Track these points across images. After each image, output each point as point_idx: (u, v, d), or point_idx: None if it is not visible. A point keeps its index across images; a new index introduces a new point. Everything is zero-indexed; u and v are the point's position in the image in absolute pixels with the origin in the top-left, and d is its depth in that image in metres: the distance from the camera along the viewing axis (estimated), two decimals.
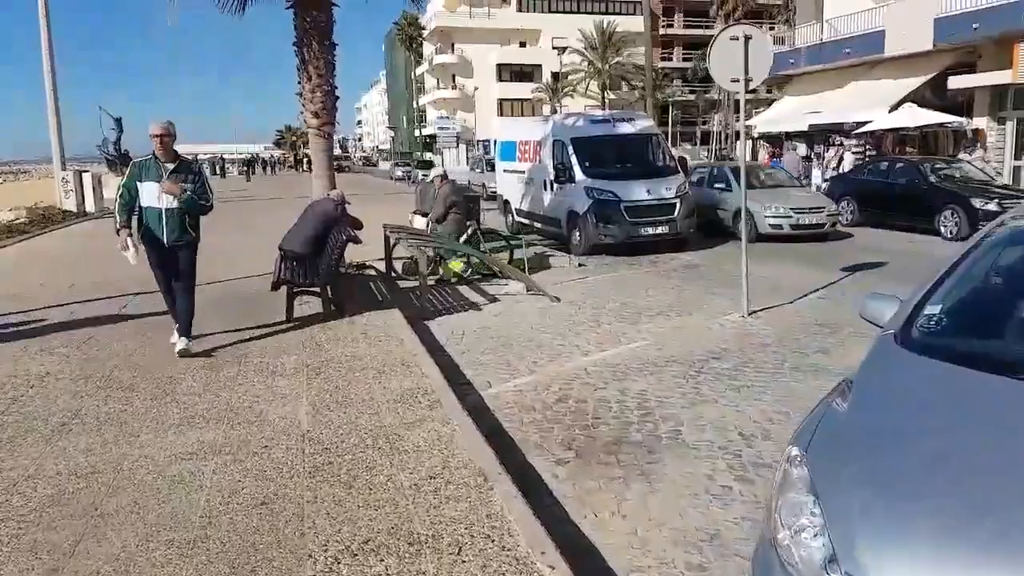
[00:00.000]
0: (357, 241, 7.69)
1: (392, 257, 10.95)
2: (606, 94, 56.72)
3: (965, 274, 3.14)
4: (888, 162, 16.62)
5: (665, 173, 13.69)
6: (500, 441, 4.60)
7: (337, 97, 10.16)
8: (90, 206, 21.83)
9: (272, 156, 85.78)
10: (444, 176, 11.88)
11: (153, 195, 5.86)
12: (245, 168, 50.54)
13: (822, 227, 13.78)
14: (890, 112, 19.93)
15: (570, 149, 13.57)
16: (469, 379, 5.95)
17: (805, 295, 9.02)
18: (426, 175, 39.21)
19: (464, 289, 10.02)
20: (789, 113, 28.03)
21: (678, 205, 13.08)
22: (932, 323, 2.94)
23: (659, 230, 12.94)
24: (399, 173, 50.60)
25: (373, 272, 10.57)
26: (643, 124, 14.53)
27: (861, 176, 16.80)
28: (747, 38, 7.51)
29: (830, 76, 26.27)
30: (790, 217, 13.58)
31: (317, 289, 7.43)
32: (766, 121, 29.57)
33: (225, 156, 71.63)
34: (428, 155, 58.40)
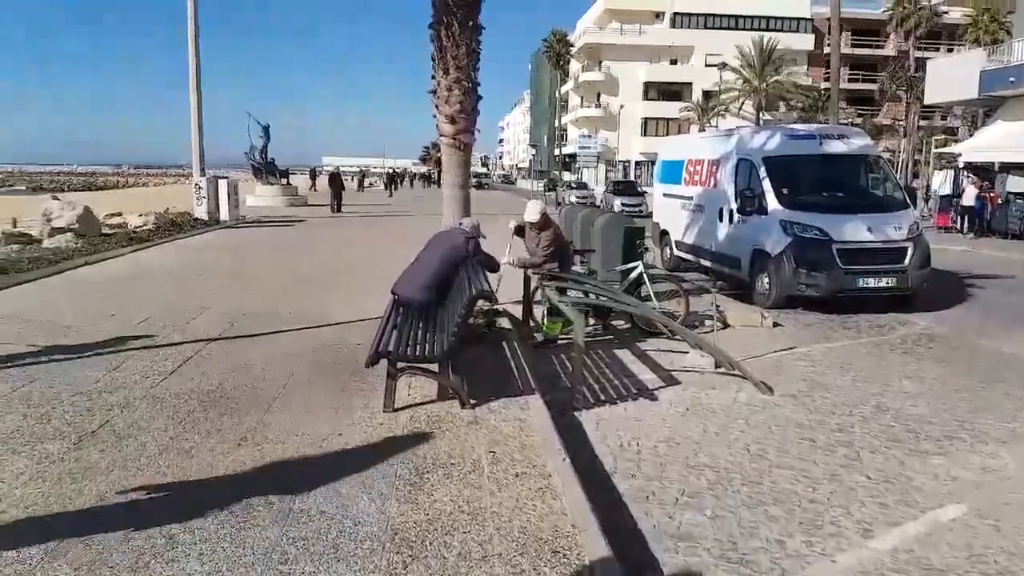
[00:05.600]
0: (490, 298, 5.24)
1: (532, 301, 8.51)
2: (761, 114, 52.30)
3: None
4: None
5: (891, 207, 10.45)
6: None
7: (479, 97, 7.86)
8: (224, 215, 21.14)
9: (415, 172, 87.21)
10: (547, 216, 7.68)
11: None
12: (389, 182, 50.01)
13: None
14: None
15: (762, 171, 10.64)
16: None
17: None
18: (583, 198, 35.94)
19: (623, 353, 7.40)
20: (1005, 140, 23.18)
21: (910, 250, 9.82)
22: None
23: (884, 282, 9.72)
24: (573, 199, 35.14)
25: (507, 323, 8.14)
26: (859, 143, 11.28)
27: None
28: None
29: None
30: None
31: (431, 368, 5.07)
32: (973, 149, 24.75)
33: (372, 169, 72.93)
34: (568, 174, 56.06)
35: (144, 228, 16.55)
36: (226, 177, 23.03)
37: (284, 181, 32.79)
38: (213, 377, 5.67)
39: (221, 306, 8.61)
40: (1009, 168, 22.76)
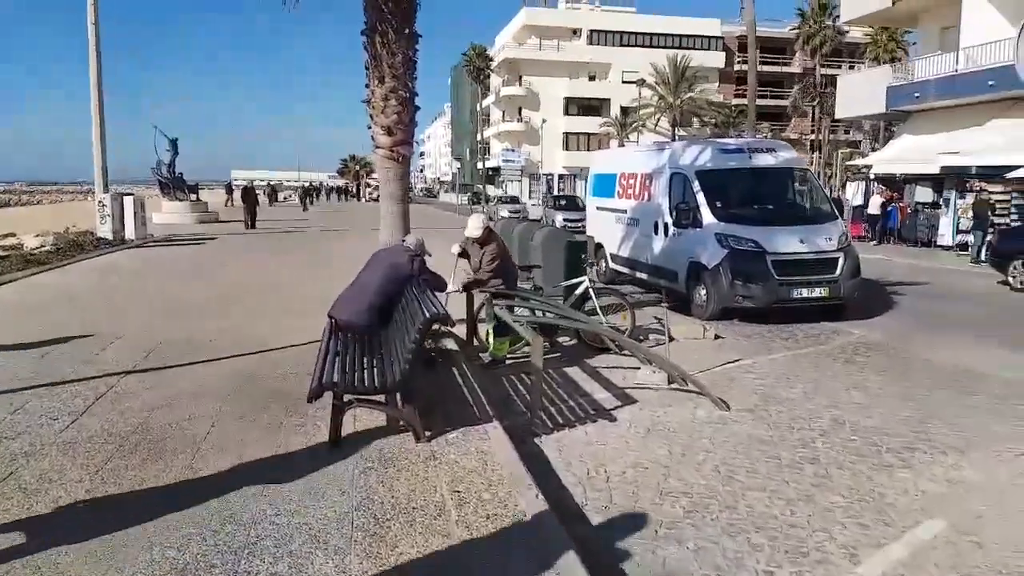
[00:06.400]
0: (446, 321, 4.86)
1: (477, 319, 8.17)
2: (676, 130, 53.97)
3: None
4: None
5: (821, 219, 10.70)
6: None
7: (417, 108, 7.52)
8: (130, 233, 19.84)
9: (331, 186, 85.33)
10: (490, 230, 7.37)
11: None
12: (304, 196, 48.53)
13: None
14: None
15: (695, 185, 10.71)
16: None
17: None
18: (515, 212, 35.57)
19: (573, 371, 7.16)
20: (911, 153, 24.52)
21: (841, 260, 10.06)
22: None
23: (817, 292, 9.90)
24: (505, 213, 34.44)
25: (452, 344, 7.76)
26: (786, 156, 11.53)
27: None
28: None
29: (964, 112, 22.75)
30: None
31: (379, 399, 4.66)
32: (883, 161, 26.05)
33: (285, 183, 70.92)
34: (492, 187, 55.80)
35: (42, 249, 15.24)
36: (131, 194, 21.67)
37: (193, 197, 31.23)
38: (131, 416, 5.06)
39: (134, 334, 7.88)
40: (916, 179, 24.01)
